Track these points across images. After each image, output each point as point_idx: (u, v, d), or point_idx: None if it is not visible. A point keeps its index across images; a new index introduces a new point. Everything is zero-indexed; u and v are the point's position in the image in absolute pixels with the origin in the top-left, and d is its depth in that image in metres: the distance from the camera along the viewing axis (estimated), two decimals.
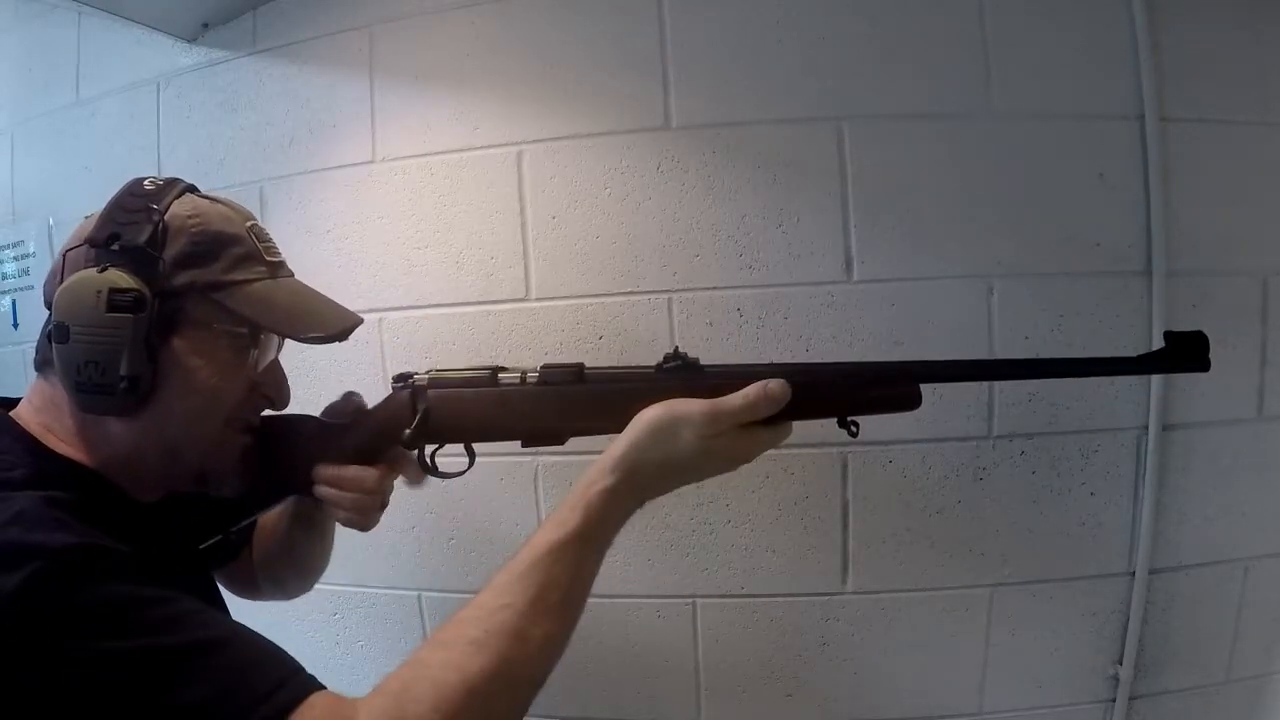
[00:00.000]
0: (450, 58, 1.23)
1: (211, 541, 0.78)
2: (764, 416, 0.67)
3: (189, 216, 0.65)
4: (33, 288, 1.56)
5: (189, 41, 1.37)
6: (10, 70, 1.57)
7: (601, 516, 0.62)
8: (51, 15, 1.50)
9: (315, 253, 1.26)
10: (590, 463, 0.66)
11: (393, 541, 1.26)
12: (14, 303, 1.59)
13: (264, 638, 0.55)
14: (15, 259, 1.58)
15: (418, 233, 1.24)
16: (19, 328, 1.58)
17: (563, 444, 0.75)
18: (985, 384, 1.13)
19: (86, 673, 0.48)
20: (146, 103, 1.41)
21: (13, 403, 0.67)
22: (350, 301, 0.78)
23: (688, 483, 0.68)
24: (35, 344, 0.66)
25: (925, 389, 0.72)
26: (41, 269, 1.54)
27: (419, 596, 1.27)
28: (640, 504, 0.66)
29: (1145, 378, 1.12)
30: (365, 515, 0.75)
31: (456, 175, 1.23)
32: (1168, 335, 0.70)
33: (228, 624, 0.56)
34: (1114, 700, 1.17)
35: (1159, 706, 1.18)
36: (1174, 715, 1.18)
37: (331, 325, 0.71)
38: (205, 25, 1.34)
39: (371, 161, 1.26)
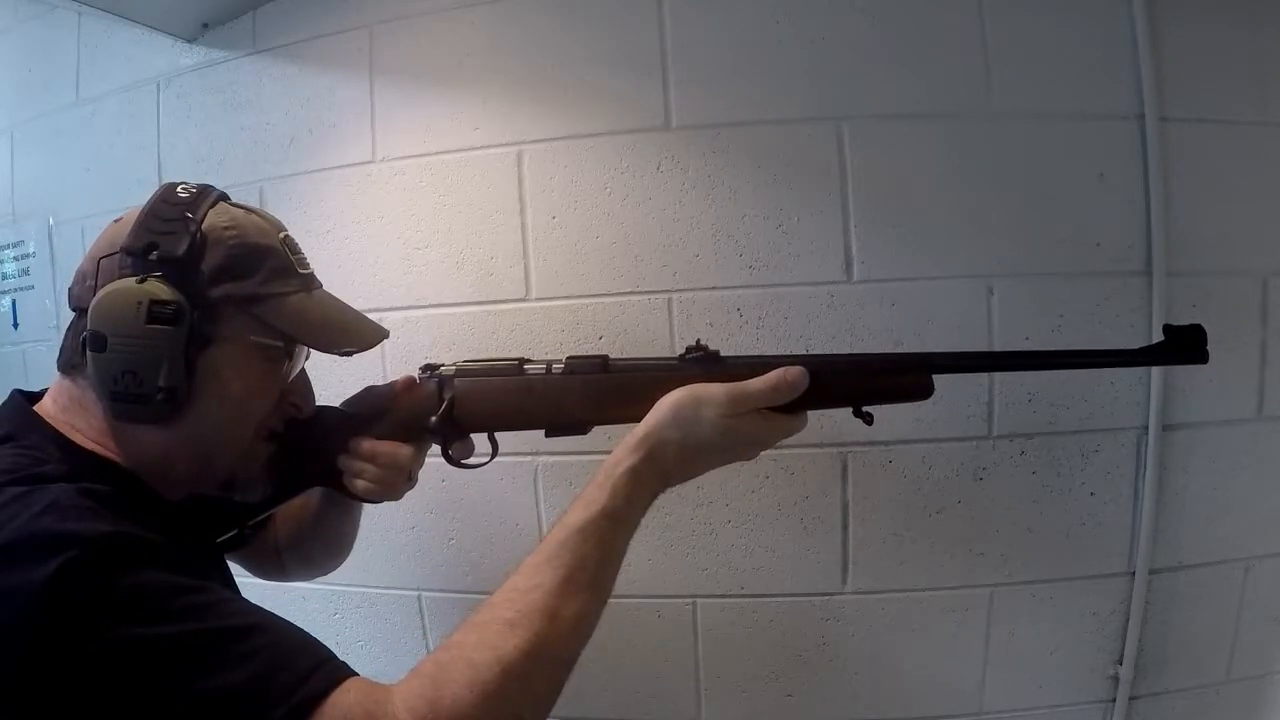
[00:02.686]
0: (450, 58, 1.23)
1: (227, 536, 0.79)
2: (783, 402, 0.69)
3: (226, 228, 0.65)
4: (33, 288, 1.55)
5: (189, 41, 1.37)
6: (10, 70, 1.57)
7: (627, 495, 0.64)
8: (51, 15, 1.50)
9: (315, 253, 1.24)
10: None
11: (393, 541, 1.26)
12: (14, 303, 1.58)
13: (296, 626, 0.56)
14: (15, 259, 1.58)
15: (418, 233, 1.24)
16: (19, 328, 1.57)
17: (586, 434, 0.76)
18: (985, 385, 1.13)
19: (122, 659, 0.49)
20: (146, 103, 1.41)
21: (35, 396, 0.68)
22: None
23: (708, 465, 0.69)
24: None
25: None
26: (42, 269, 1.54)
27: (419, 596, 1.27)
28: (664, 484, 0.67)
29: (1145, 378, 1.12)
30: (392, 488, 0.77)
31: (456, 175, 1.23)
32: (1167, 329, 0.72)
33: (261, 611, 0.56)
34: (1114, 700, 1.17)
35: (1159, 706, 1.18)
36: (1174, 715, 1.18)
37: (363, 339, 0.74)
38: (205, 25, 1.34)
39: (371, 161, 1.26)
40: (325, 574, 0.95)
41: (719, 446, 0.68)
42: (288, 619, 0.57)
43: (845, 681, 1.18)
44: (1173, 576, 1.16)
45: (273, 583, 0.96)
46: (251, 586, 0.90)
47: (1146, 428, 1.13)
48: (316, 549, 0.90)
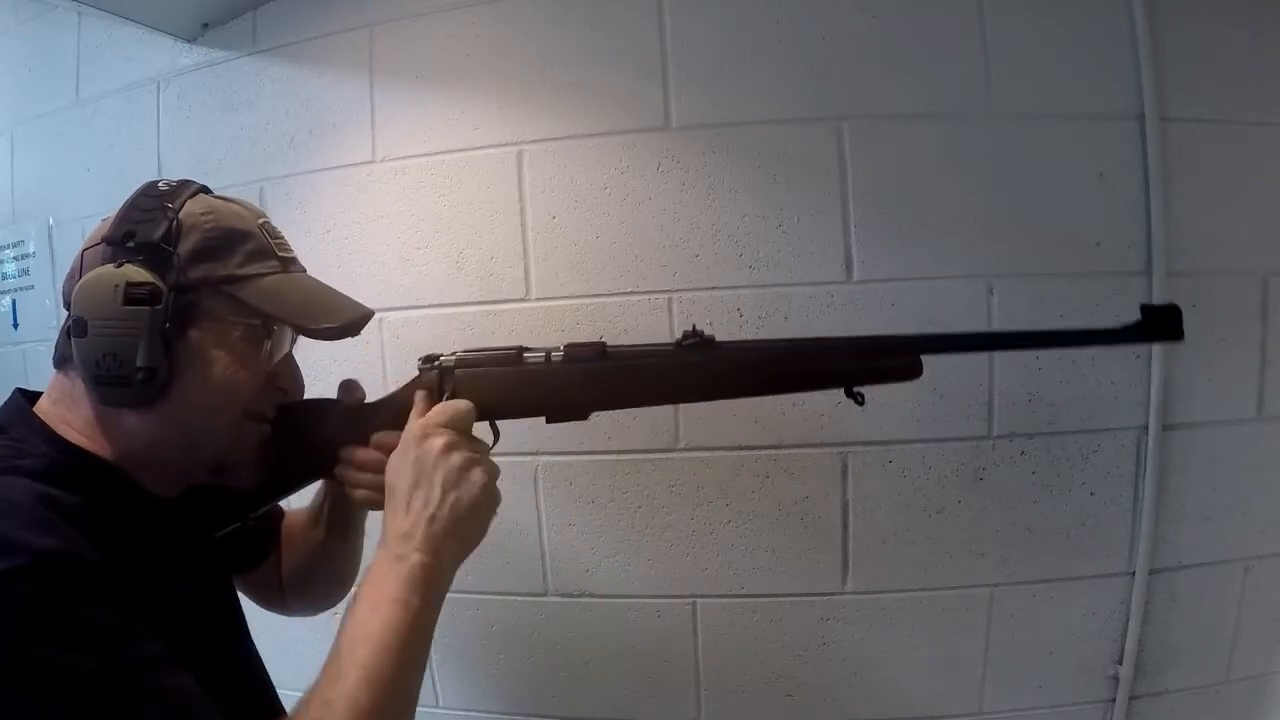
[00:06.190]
0: (450, 58, 1.23)
1: (229, 529, 0.77)
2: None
3: (202, 214, 0.66)
4: (33, 288, 1.55)
5: (189, 41, 1.37)
6: (10, 70, 1.57)
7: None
8: (51, 15, 1.50)
9: (315, 253, 1.25)
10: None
11: None
12: (14, 303, 1.58)
13: (205, 701, 0.55)
14: (15, 259, 1.58)
15: (418, 233, 1.24)
16: (19, 328, 1.57)
17: (585, 419, 0.76)
18: (985, 384, 1.12)
19: (24, 676, 0.49)
20: (146, 103, 1.41)
21: (36, 396, 0.68)
22: None
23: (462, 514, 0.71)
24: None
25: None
26: (42, 269, 1.54)
27: None
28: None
29: (1145, 377, 1.12)
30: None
31: (456, 175, 1.23)
32: (1144, 308, 0.73)
33: (171, 676, 0.55)
34: (1114, 700, 1.17)
35: (1159, 706, 1.18)
36: (1174, 715, 1.18)
37: (342, 317, 0.72)
38: (205, 25, 1.34)
39: (371, 161, 1.26)
40: (324, 608, 0.94)
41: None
42: (259, 631, 0.55)
43: (845, 681, 1.18)
44: (1173, 576, 1.16)
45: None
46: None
47: (1146, 428, 1.13)
48: (317, 582, 0.90)
